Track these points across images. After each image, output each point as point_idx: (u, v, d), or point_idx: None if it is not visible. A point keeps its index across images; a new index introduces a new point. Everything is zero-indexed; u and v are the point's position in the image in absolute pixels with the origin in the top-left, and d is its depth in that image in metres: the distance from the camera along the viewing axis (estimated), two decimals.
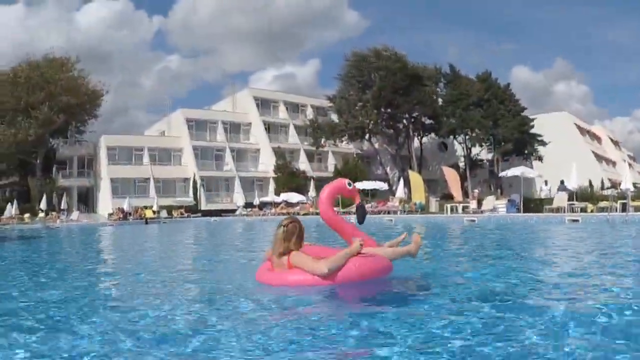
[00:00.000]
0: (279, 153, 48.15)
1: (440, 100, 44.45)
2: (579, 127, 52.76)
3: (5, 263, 8.45)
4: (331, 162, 51.49)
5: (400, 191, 29.86)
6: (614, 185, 33.88)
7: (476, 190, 29.88)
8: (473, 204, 24.70)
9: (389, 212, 26.88)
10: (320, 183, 33.23)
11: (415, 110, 44.15)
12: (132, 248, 11.56)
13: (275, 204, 37.47)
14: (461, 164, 46.73)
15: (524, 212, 22.10)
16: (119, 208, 37.32)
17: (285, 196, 36.20)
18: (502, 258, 6.61)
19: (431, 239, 10.93)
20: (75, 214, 35.42)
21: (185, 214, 37.94)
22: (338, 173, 41.69)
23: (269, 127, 51.74)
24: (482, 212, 23.23)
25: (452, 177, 31.99)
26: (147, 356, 2.51)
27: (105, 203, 42.09)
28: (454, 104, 41.86)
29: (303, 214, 28.98)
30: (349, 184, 5.05)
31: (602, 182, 39.47)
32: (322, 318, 3.29)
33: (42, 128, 40.96)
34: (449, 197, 31.94)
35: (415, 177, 30.67)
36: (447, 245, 9.76)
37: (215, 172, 47.76)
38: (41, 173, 42.59)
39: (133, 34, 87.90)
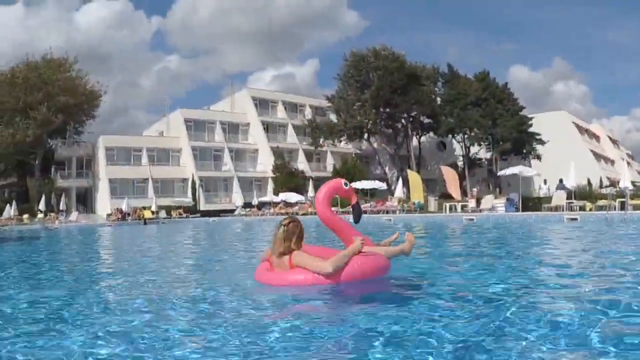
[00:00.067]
0: (277, 153, 48.13)
1: (438, 99, 44.52)
2: (577, 126, 52.81)
3: (5, 264, 8.43)
4: (330, 162, 51.47)
5: (399, 191, 29.89)
6: (613, 183, 34.00)
7: (475, 189, 29.95)
8: (472, 203, 24.76)
9: (387, 212, 26.91)
10: (319, 183, 32.81)
11: (413, 110, 44.17)
12: (130, 249, 11.54)
13: (274, 204, 37.47)
14: (460, 163, 46.78)
15: (523, 210, 22.15)
16: (117, 208, 37.28)
17: (284, 196, 36.20)
18: (501, 257, 6.62)
19: (430, 238, 10.94)
20: (74, 215, 35.36)
21: (184, 214, 37.92)
22: (337, 173, 41.67)
23: (268, 127, 51.70)
24: (480, 211, 23.27)
25: (450, 177, 31.99)
26: (146, 357, 2.51)
27: (104, 204, 42.02)
28: (452, 104, 41.93)
29: (302, 214, 28.99)
30: (345, 184, 5.05)
31: (601, 181, 39.46)
32: (322, 318, 3.30)
33: (41, 128, 40.95)
34: (447, 196, 31.94)
35: (414, 177, 30.68)
36: (445, 244, 9.77)
37: (214, 172, 47.72)
38: (40, 174, 42.57)
39: (132, 34, 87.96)
